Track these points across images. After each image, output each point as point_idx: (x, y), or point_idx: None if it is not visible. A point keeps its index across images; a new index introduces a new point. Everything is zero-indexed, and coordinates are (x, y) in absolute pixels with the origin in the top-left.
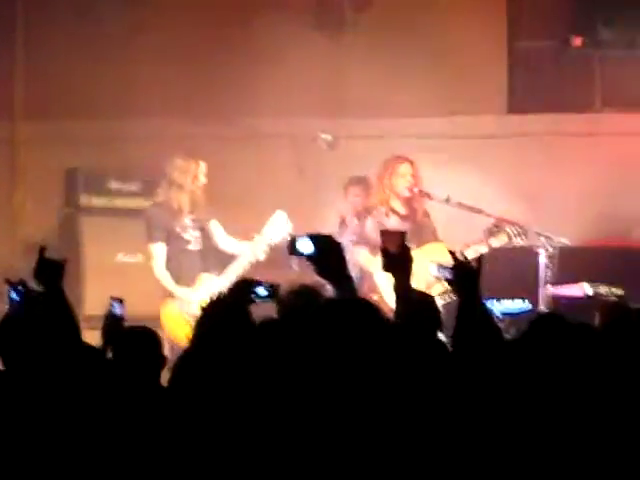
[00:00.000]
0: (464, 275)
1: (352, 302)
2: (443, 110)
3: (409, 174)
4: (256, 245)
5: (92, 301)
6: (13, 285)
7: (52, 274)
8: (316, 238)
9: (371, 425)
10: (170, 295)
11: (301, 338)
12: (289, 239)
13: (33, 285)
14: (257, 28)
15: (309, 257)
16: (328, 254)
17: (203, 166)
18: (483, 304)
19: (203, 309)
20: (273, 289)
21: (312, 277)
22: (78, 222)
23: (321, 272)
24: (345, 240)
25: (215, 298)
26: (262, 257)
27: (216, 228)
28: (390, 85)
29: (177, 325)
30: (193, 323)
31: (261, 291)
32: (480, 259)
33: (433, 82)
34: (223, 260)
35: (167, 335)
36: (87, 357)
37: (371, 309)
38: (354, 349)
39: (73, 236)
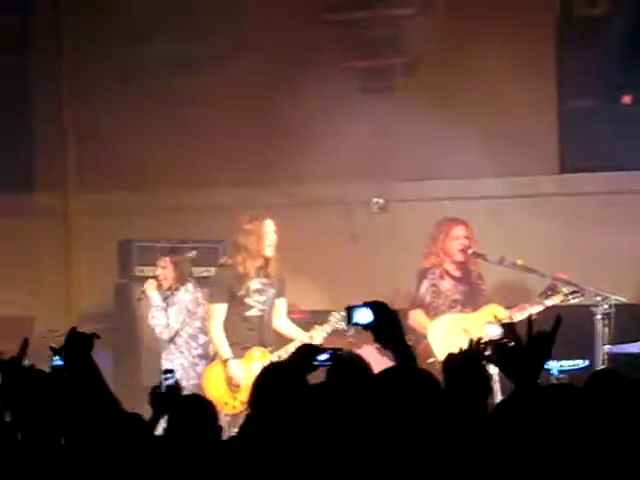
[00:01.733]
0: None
1: (410, 370)
2: (495, 171)
3: (463, 236)
4: (315, 335)
5: (149, 372)
6: (57, 351)
7: (82, 347)
8: (373, 306)
9: None
10: (217, 359)
11: (355, 405)
12: (346, 309)
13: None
14: (308, 94)
15: (367, 326)
16: (386, 322)
17: (270, 224)
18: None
19: (262, 374)
20: (335, 355)
21: (367, 342)
22: (133, 292)
23: (380, 340)
24: None
25: (276, 364)
26: (318, 343)
27: (281, 306)
28: (441, 147)
29: (219, 390)
30: (235, 391)
31: (323, 357)
32: (557, 321)
33: (484, 143)
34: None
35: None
36: (131, 427)
37: (429, 379)
38: (407, 417)
39: (129, 307)
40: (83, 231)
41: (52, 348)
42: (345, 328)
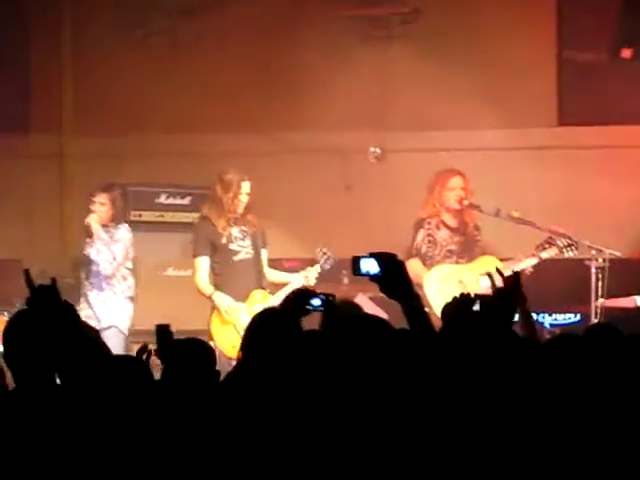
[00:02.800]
0: (506, 287)
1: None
2: (493, 122)
3: (459, 187)
4: (308, 274)
5: (141, 316)
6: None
7: (48, 299)
8: (380, 257)
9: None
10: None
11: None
12: (352, 259)
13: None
14: (305, 42)
15: (374, 277)
16: (393, 273)
17: (246, 185)
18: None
19: (255, 319)
20: (328, 300)
21: (361, 291)
22: None
23: (387, 291)
24: None
25: (269, 309)
26: (313, 283)
27: (263, 256)
28: (439, 98)
29: (226, 335)
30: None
31: (316, 302)
32: (517, 274)
33: (482, 94)
34: None
35: (216, 346)
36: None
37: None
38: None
39: None
40: (78, 174)
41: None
42: (331, 264)
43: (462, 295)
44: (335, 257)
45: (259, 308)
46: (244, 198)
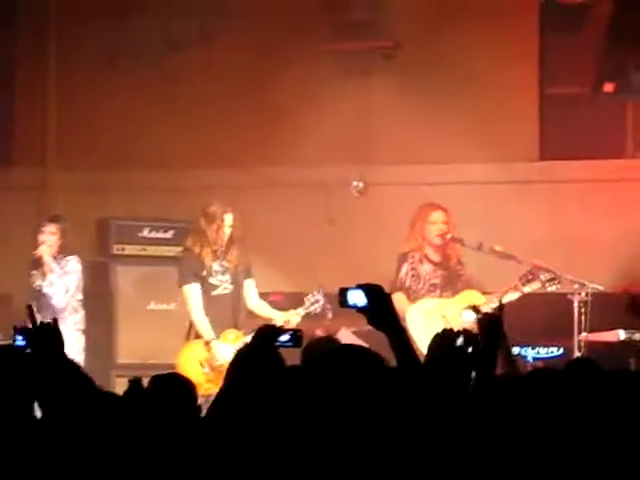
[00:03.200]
0: (488, 325)
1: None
2: (476, 156)
3: (441, 221)
4: (291, 318)
5: (125, 350)
6: (19, 331)
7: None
8: (368, 289)
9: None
10: (194, 338)
11: (320, 385)
12: (340, 291)
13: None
14: (287, 77)
15: (361, 309)
16: (380, 304)
17: (229, 218)
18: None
19: (239, 355)
20: (296, 335)
21: (345, 325)
22: (110, 271)
23: (374, 322)
24: None
25: (245, 346)
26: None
27: (251, 287)
28: (421, 131)
29: (195, 371)
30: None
31: (284, 338)
32: (501, 307)
33: (465, 128)
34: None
35: None
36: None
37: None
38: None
39: (106, 285)
40: (61, 208)
41: (15, 328)
42: (318, 310)
43: (445, 330)
44: (325, 301)
45: (229, 349)
46: (227, 230)
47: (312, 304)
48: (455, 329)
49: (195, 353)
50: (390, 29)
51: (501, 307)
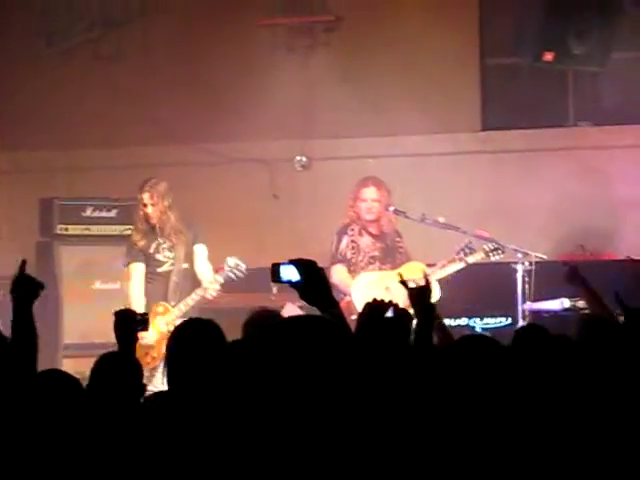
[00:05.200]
0: (419, 296)
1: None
2: (417, 128)
3: (371, 199)
4: (209, 286)
5: (70, 330)
6: None
7: (28, 292)
8: (300, 264)
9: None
10: None
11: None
12: (272, 266)
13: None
14: (228, 53)
15: (294, 284)
16: (313, 280)
17: (146, 197)
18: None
19: (178, 330)
20: (143, 320)
21: (291, 300)
22: (55, 251)
23: (306, 298)
24: None
25: (194, 320)
26: (214, 294)
27: (201, 251)
28: (364, 105)
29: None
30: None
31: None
32: (426, 278)
33: (406, 101)
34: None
35: None
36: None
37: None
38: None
39: (50, 265)
40: (4, 189)
41: None
42: (238, 277)
43: (375, 301)
44: (249, 267)
45: (160, 321)
46: (150, 210)
47: (231, 271)
48: (386, 301)
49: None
50: (331, 3)
51: (426, 279)
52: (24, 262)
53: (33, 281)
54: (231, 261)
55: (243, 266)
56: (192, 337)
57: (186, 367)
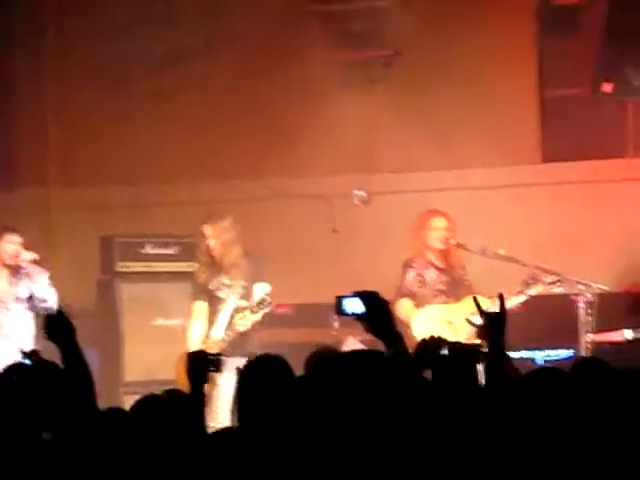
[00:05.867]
0: (491, 323)
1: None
2: (477, 162)
3: (442, 228)
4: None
5: (131, 367)
6: (26, 354)
7: (64, 330)
8: (364, 296)
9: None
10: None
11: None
12: (336, 299)
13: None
14: (287, 88)
15: (358, 316)
16: (377, 312)
17: (207, 229)
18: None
19: (248, 366)
20: (217, 361)
21: (352, 334)
22: (115, 288)
23: (371, 330)
24: None
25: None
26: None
27: (255, 291)
28: (423, 138)
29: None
30: None
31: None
32: (501, 303)
33: (466, 134)
34: None
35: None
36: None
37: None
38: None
39: (111, 303)
40: (65, 227)
41: (22, 351)
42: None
43: (430, 338)
44: (309, 302)
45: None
46: (212, 242)
47: (258, 304)
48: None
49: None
50: (390, 38)
51: (501, 299)
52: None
53: (65, 320)
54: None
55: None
56: (262, 374)
57: (256, 403)
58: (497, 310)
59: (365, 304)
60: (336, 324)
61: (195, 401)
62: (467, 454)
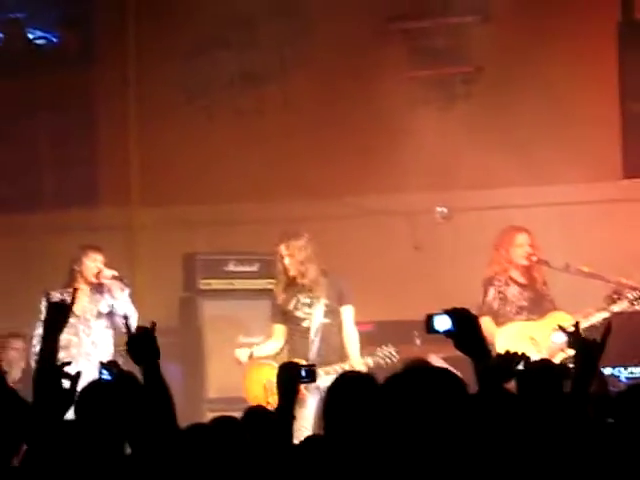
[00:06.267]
0: (586, 349)
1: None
2: (558, 178)
3: (526, 244)
4: (357, 365)
5: (214, 384)
6: (105, 366)
7: (149, 352)
8: (454, 313)
9: None
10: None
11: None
12: (426, 317)
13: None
14: (367, 106)
15: (448, 333)
16: (467, 329)
17: (283, 248)
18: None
19: (336, 383)
20: (311, 371)
21: (434, 351)
22: (198, 305)
23: (460, 347)
24: None
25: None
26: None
27: (347, 315)
28: (504, 154)
29: (258, 391)
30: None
31: (303, 374)
32: (607, 332)
33: (547, 150)
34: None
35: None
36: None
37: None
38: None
39: (193, 320)
40: (147, 245)
41: (101, 363)
42: (388, 365)
43: (507, 353)
44: (391, 319)
45: None
46: (287, 260)
47: (382, 358)
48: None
49: (258, 374)
50: (470, 54)
51: (576, 327)
52: (154, 324)
53: (151, 342)
54: (385, 350)
55: (396, 357)
56: (349, 390)
57: (343, 419)
58: (595, 339)
59: (455, 321)
60: (418, 341)
61: (284, 413)
62: (555, 468)
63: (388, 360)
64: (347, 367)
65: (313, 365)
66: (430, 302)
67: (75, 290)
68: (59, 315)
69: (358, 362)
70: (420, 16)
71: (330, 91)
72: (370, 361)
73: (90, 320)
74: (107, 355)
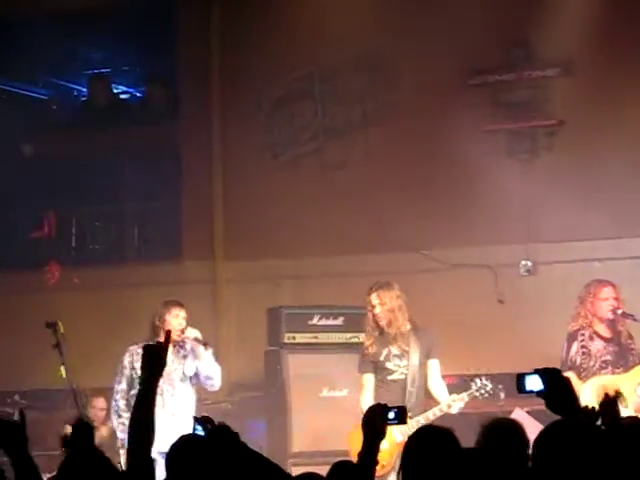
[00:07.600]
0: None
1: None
2: None
3: (611, 297)
4: (453, 404)
5: (299, 437)
6: (199, 421)
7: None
8: (545, 373)
9: None
10: None
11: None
12: (517, 377)
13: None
14: (450, 158)
15: (539, 393)
16: (558, 389)
17: (373, 298)
18: None
19: (414, 437)
20: (401, 412)
21: (518, 405)
22: (282, 359)
23: (552, 407)
24: None
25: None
26: (456, 412)
27: (434, 367)
28: (586, 208)
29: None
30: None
31: (391, 415)
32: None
33: (630, 202)
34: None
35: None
36: None
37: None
38: None
39: (278, 373)
40: (232, 299)
41: (195, 418)
42: (485, 397)
43: (606, 397)
44: (494, 385)
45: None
46: (378, 310)
47: (477, 390)
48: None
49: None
50: (553, 106)
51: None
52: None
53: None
54: (478, 382)
55: (489, 386)
56: (429, 445)
57: (422, 474)
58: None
59: (545, 381)
60: (502, 394)
61: (368, 457)
62: None
63: (483, 392)
64: (445, 408)
65: (402, 406)
66: (513, 356)
67: (168, 332)
68: (156, 359)
69: (454, 399)
70: (503, 70)
71: (414, 144)
72: (466, 397)
73: (174, 380)
74: (191, 416)
